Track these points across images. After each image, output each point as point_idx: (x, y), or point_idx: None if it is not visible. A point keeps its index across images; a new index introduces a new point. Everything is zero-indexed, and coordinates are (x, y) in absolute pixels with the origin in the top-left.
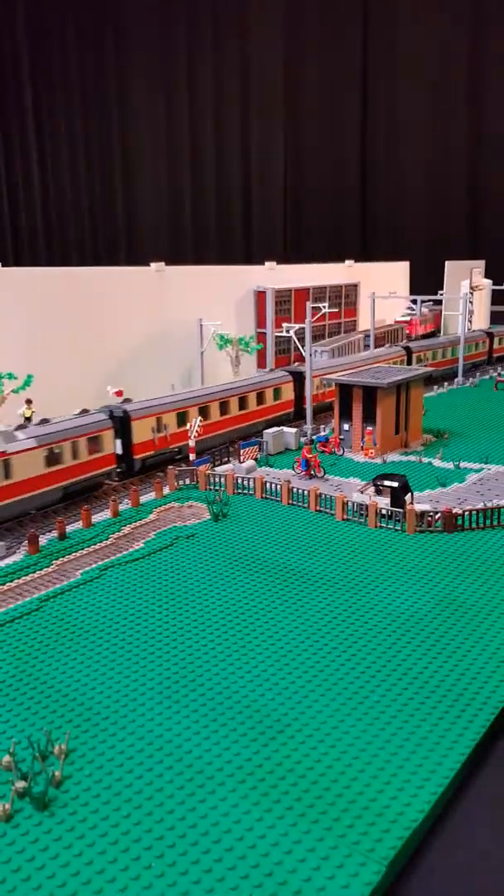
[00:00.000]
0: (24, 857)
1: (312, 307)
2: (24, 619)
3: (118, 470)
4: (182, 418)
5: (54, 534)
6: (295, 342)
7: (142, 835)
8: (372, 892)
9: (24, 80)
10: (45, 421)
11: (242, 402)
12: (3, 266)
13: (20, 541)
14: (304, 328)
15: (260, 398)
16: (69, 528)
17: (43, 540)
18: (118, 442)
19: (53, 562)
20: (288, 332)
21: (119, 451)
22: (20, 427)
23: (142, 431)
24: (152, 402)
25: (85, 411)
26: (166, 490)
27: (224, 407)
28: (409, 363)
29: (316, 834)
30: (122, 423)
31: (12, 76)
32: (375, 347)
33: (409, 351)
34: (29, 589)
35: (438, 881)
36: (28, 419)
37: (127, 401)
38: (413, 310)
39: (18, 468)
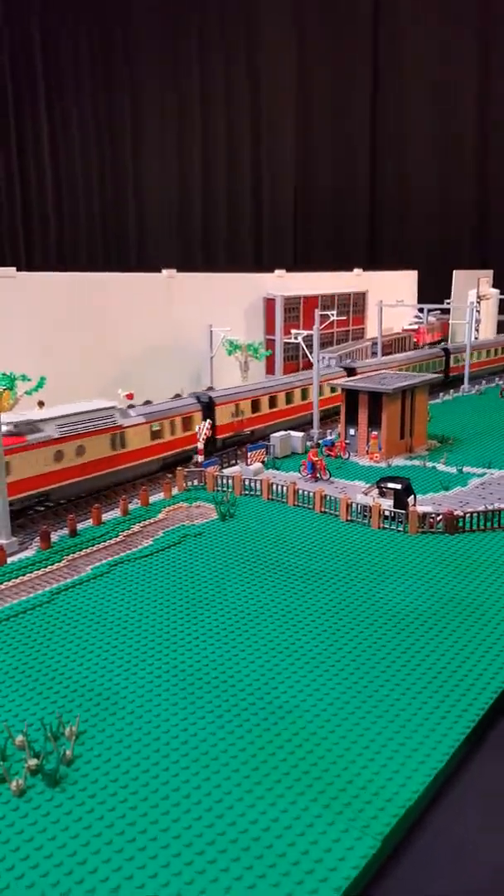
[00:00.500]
0: (37, 829)
1: (321, 314)
2: (36, 611)
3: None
4: (255, 406)
5: (66, 531)
6: (303, 348)
7: (148, 810)
8: (366, 864)
9: (38, 89)
10: (148, 402)
11: (304, 394)
12: (17, 271)
13: (33, 537)
14: (312, 335)
15: (321, 391)
16: (80, 526)
17: (55, 536)
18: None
19: (64, 557)
20: (296, 338)
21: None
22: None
23: (223, 415)
24: (231, 391)
25: (177, 396)
26: (175, 490)
27: (289, 397)
28: (447, 364)
29: (314, 811)
30: (207, 408)
31: (27, 86)
32: (383, 355)
33: (447, 352)
34: (41, 582)
35: (432, 857)
36: None
37: (147, 402)
38: (420, 318)
39: (131, 439)
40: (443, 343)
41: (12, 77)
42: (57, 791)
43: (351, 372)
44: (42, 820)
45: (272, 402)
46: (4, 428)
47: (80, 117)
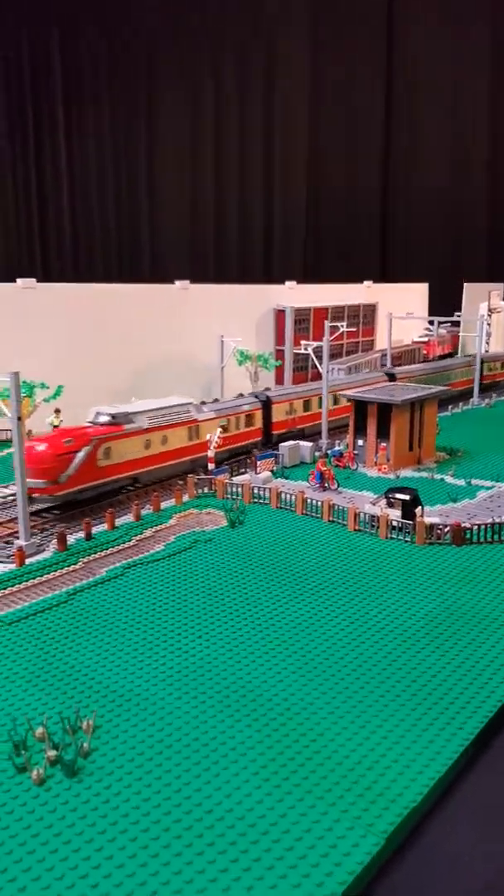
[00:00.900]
0: (56, 817)
1: (331, 326)
2: (54, 610)
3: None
4: (307, 405)
5: (81, 534)
6: (313, 359)
7: (161, 801)
8: (370, 861)
9: (56, 102)
10: (216, 400)
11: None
12: (37, 282)
13: (50, 539)
14: (322, 346)
15: (335, 402)
16: (94, 530)
17: (71, 539)
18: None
19: (80, 559)
20: (307, 349)
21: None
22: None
23: (279, 413)
24: (285, 391)
25: (240, 395)
26: (185, 497)
27: (335, 399)
28: (482, 372)
29: (320, 808)
30: (265, 406)
31: (45, 98)
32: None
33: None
34: (58, 583)
35: (434, 856)
36: (56, 427)
37: (216, 400)
38: (430, 331)
39: (204, 432)
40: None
41: (32, 88)
42: (75, 781)
43: (392, 378)
44: (61, 808)
45: (321, 403)
46: (105, 417)
47: (96, 131)
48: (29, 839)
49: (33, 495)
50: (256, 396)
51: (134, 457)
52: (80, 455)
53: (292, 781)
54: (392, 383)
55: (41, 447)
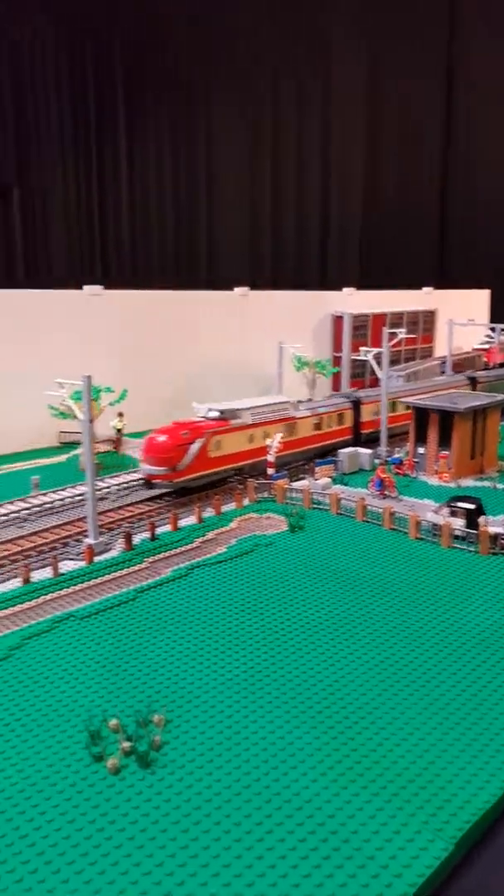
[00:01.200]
0: (131, 805)
1: (389, 332)
2: (122, 607)
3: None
4: (392, 406)
5: (146, 534)
6: (372, 366)
7: (232, 797)
8: (440, 865)
9: (118, 115)
10: (309, 400)
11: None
12: (104, 289)
13: (116, 539)
14: (381, 353)
15: (393, 408)
16: (158, 531)
17: (136, 539)
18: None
19: (145, 559)
20: (366, 356)
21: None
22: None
23: (367, 413)
24: (374, 393)
25: (331, 395)
26: (246, 501)
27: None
28: None
29: (389, 811)
30: (355, 406)
31: (109, 108)
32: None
33: None
34: (125, 581)
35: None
36: (119, 431)
37: (310, 400)
38: (492, 338)
39: (300, 428)
40: None
41: (96, 102)
42: (148, 773)
43: (473, 383)
44: (135, 798)
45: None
46: (214, 413)
47: (156, 139)
48: (107, 825)
49: (153, 481)
50: (347, 397)
51: (239, 449)
52: (195, 446)
53: (359, 784)
54: (454, 391)
55: (162, 438)
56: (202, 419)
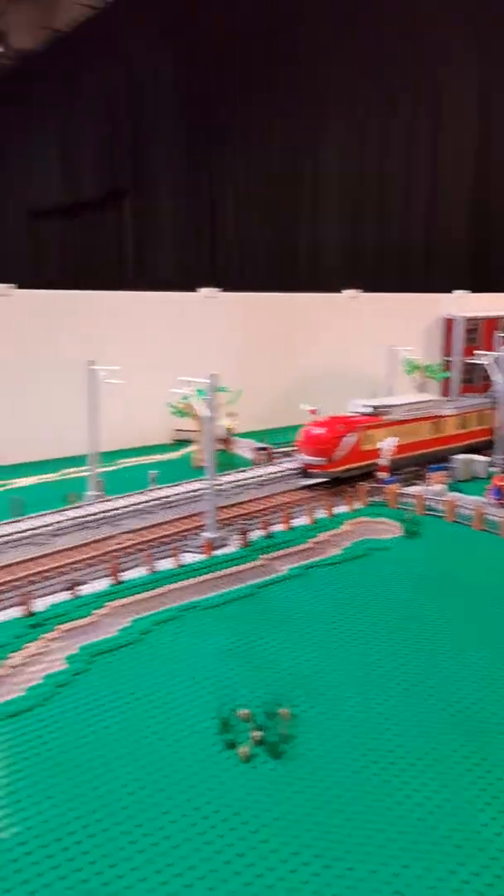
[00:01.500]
0: (264, 793)
1: (501, 336)
2: (242, 601)
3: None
4: None
5: (262, 532)
6: (489, 370)
7: (362, 794)
8: None
9: (233, 128)
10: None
11: None
12: (220, 291)
13: (232, 535)
14: (497, 357)
15: None
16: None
17: (252, 536)
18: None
19: (261, 556)
20: (484, 359)
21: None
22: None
23: None
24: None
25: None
26: (357, 504)
27: None
28: None
29: None
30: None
31: (219, 119)
32: None
33: None
34: (243, 577)
35: None
36: (229, 430)
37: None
38: None
39: (446, 427)
40: None
41: (206, 109)
42: (278, 763)
43: None
44: (267, 786)
45: None
46: (367, 409)
47: (264, 143)
48: (242, 810)
49: (309, 471)
50: (487, 397)
51: None
52: (349, 439)
53: (490, 793)
54: None
55: (319, 430)
56: (356, 414)
